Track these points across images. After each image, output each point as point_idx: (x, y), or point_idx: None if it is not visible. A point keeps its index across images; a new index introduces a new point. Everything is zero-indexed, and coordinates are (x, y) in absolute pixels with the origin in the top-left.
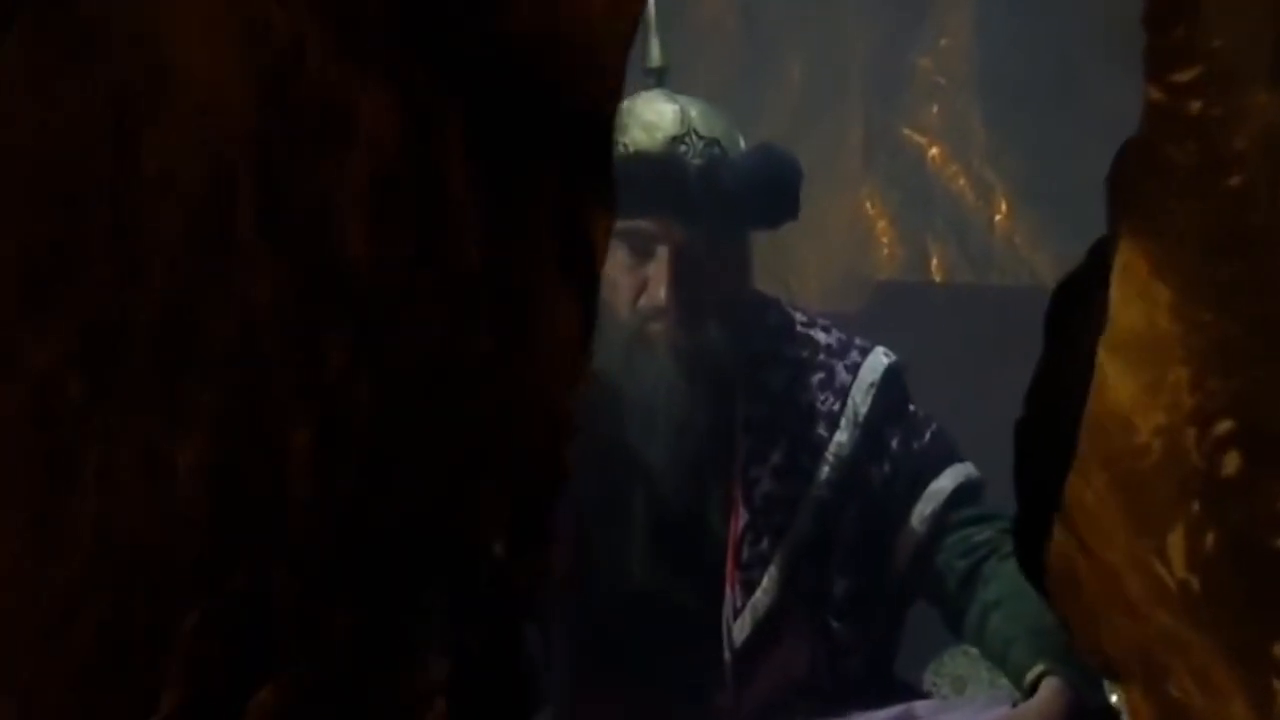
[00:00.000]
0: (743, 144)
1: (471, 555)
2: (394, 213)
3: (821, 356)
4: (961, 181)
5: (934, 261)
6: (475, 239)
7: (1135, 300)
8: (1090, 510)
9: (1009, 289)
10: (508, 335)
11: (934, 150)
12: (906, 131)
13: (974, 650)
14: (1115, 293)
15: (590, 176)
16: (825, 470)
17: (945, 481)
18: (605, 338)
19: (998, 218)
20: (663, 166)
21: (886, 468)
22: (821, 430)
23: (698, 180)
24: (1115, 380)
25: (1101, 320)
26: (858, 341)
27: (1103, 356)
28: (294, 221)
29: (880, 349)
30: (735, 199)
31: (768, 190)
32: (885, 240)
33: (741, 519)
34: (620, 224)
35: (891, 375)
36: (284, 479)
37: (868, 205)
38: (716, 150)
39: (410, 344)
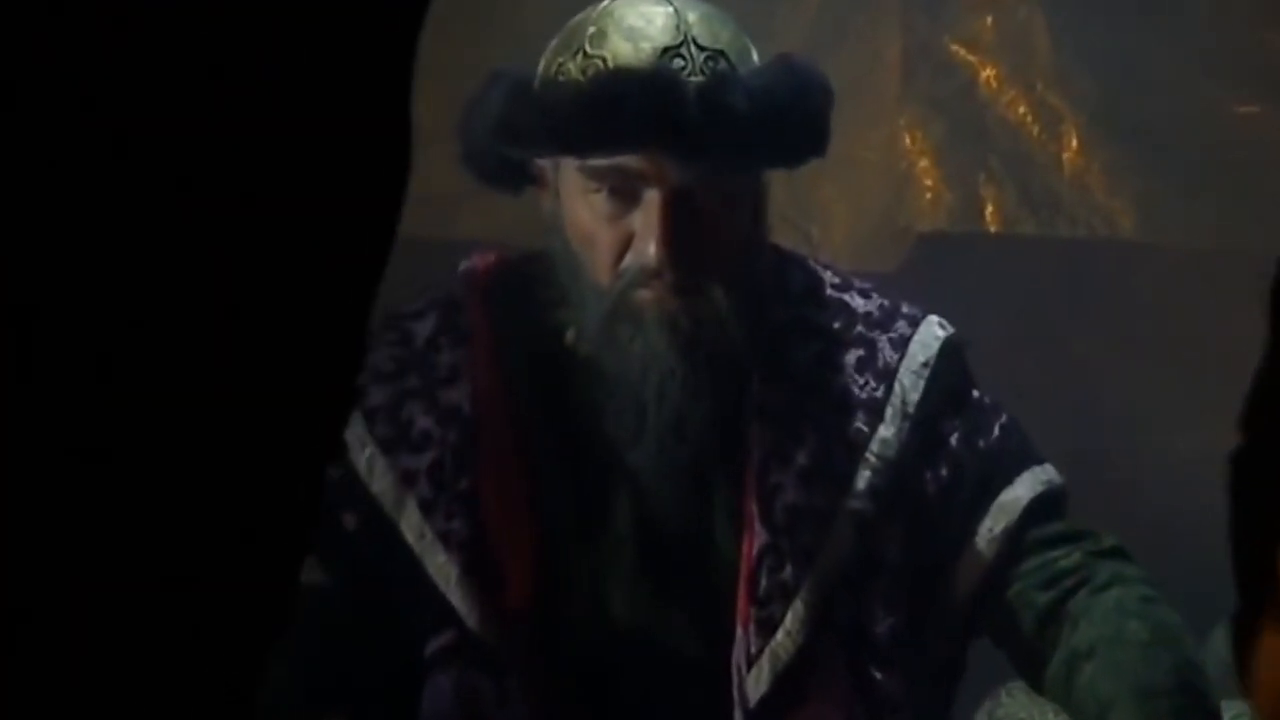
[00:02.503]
0: (755, 57)
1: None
2: None
3: (859, 328)
4: (1022, 109)
5: (988, 209)
6: None
7: None
8: None
9: (1081, 242)
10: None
11: (988, 71)
12: (954, 47)
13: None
14: None
15: None
16: (865, 475)
17: (1020, 490)
18: (580, 307)
19: (1066, 154)
20: (652, 86)
21: (944, 472)
22: (860, 423)
23: (698, 103)
24: None
25: None
26: (905, 309)
27: None
28: None
29: (934, 319)
30: (746, 128)
31: (789, 117)
32: (928, 182)
33: (758, 539)
34: (598, 161)
35: (949, 352)
36: None
37: (906, 139)
38: (721, 65)
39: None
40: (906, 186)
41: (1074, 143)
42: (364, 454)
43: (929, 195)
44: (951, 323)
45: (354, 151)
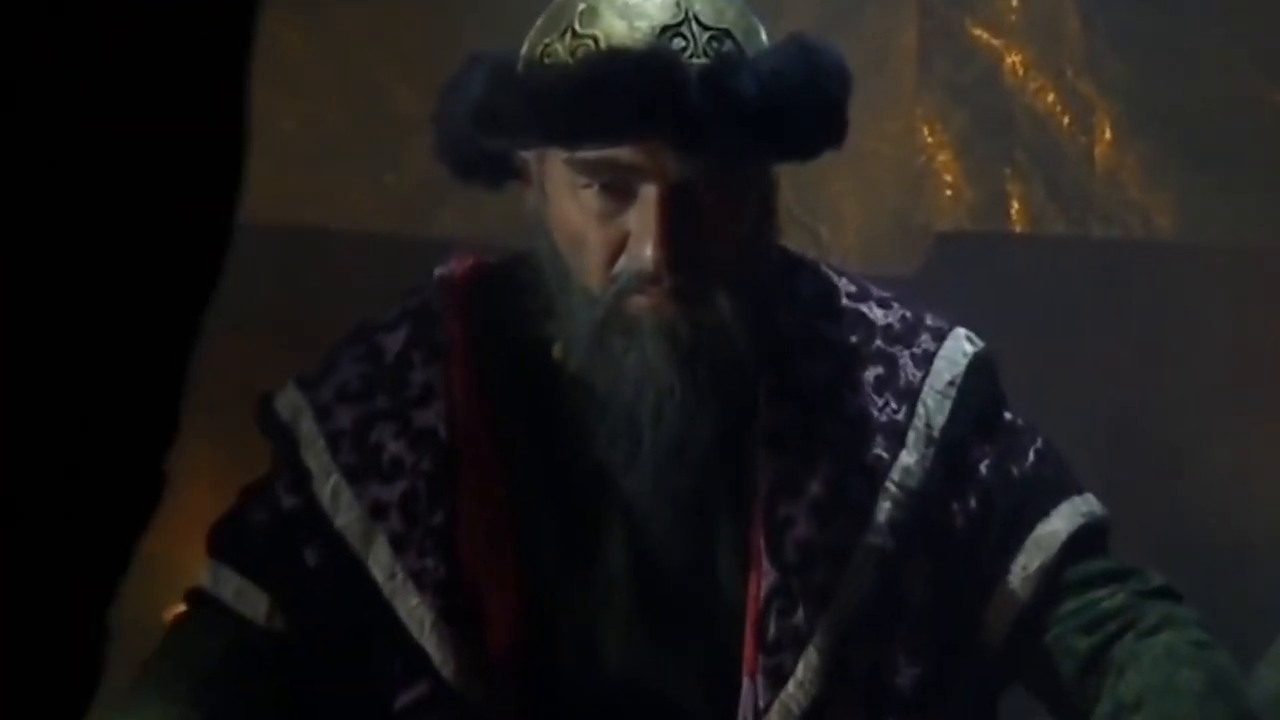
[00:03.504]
0: (764, 37)
1: None
2: None
3: (879, 342)
4: (1050, 98)
5: (1013, 206)
6: None
7: None
8: None
9: (1115, 242)
10: None
11: (1013, 56)
12: (976, 31)
13: None
14: None
15: None
16: (885, 507)
17: (1058, 523)
18: (569, 316)
19: (1099, 147)
20: (649, 68)
21: (973, 503)
22: (879, 449)
23: (700, 88)
24: None
25: None
26: (929, 321)
27: None
28: None
29: (962, 332)
30: (755, 116)
31: (802, 104)
32: (948, 178)
33: (766, 578)
34: (588, 153)
35: (979, 369)
36: None
37: (925, 131)
38: (726, 45)
39: None
40: (924, 182)
41: (1107, 134)
42: (328, 483)
43: (948, 192)
44: (972, 332)
45: (184, 151)
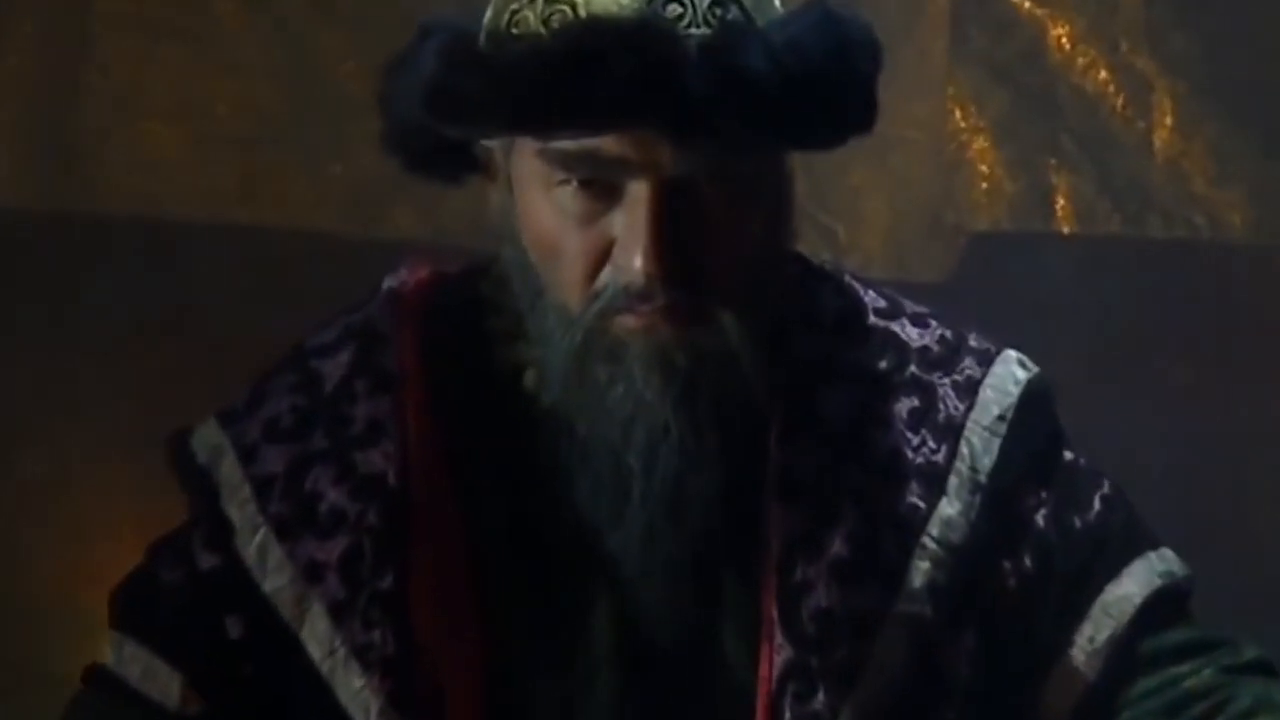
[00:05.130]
0: (779, 3)
1: None
2: None
3: (913, 368)
4: (1102, 76)
5: (1059, 202)
6: None
7: None
8: None
9: (1178, 244)
10: None
11: (1060, 29)
12: None
13: None
14: None
15: None
16: (923, 568)
17: (1131, 585)
18: (543, 339)
19: (1159, 133)
20: (639, 41)
21: (1028, 561)
22: (915, 498)
23: (701, 64)
24: None
25: None
26: (973, 342)
27: None
28: None
29: (1013, 356)
30: (767, 97)
31: (824, 82)
32: (984, 168)
33: (780, 655)
34: (566, 143)
35: (1034, 401)
36: None
37: (957, 114)
38: (732, 13)
39: None
40: (957, 174)
41: (1168, 119)
42: (254, 540)
43: (985, 185)
44: (1011, 345)
45: None
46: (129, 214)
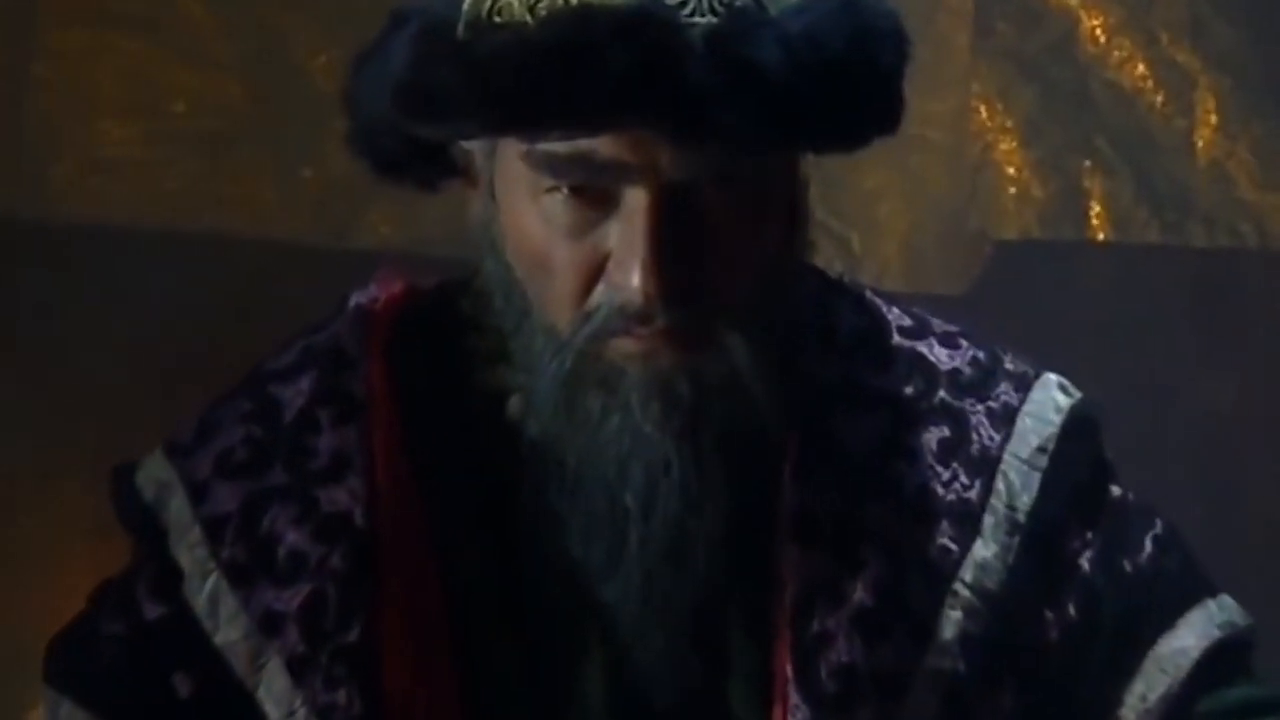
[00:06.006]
0: None
1: None
2: None
3: (942, 394)
4: (1139, 70)
5: (1093, 208)
6: None
7: None
8: None
9: (1222, 253)
10: None
11: (1094, 19)
12: None
13: None
14: None
15: None
16: (955, 618)
17: (1187, 637)
18: (528, 363)
19: (1201, 133)
20: (637, 30)
21: (1072, 610)
22: (945, 539)
23: (707, 57)
24: None
25: None
26: (1009, 364)
27: None
28: None
29: (1053, 379)
30: (780, 94)
31: (844, 76)
32: (1011, 171)
33: (794, 716)
34: (555, 145)
35: (1078, 430)
36: None
37: (981, 111)
38: (741, 0)
39: None
40: (981, 178)
41: (1212, 117)
42: (205, 587)
43: (1012, 190)
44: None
45: None
46: (79, 220)
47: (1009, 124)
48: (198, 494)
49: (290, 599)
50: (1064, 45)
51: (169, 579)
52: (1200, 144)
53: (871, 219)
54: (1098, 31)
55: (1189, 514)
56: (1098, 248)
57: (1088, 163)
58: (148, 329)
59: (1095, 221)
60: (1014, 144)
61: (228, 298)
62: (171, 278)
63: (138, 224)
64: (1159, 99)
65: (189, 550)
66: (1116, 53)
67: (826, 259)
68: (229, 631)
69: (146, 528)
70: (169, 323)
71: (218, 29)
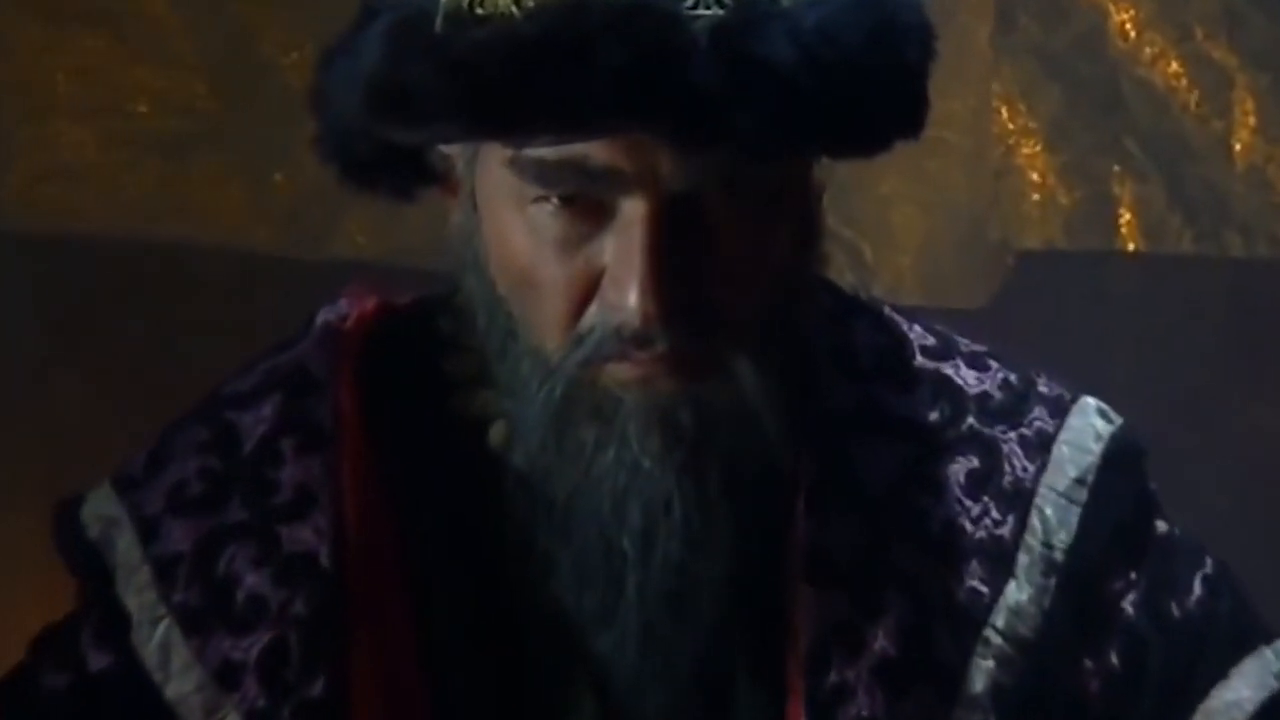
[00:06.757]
0: None
1: None
2: None
3: (971, 420)
4: (1172, 68)
5: (1123, 216)
6: None
7: None
8: None
9: (1261, 264)
10: None
11: (1123, 13)
12: None
13: None
14: None
15: None
16: (985, 668)
17: (1242, 688)
18: (514, 389)
19: (1239, 135)
20: (635, 25)
21: (1115, 659)
22: (975, 580)
23: (712, 54)
24: None
25: None
26: (1043, 387)
27: None
28: None
29: (1091, 404)
30: (794, 93)
31: (863, 75)
32: (1035, 177)
33: None
34: (543, 152)
35: (1120, 459)
36: None
37: (1003, 112)
38: None
39: None
40: (1003, 183)
41: (1250, 118)
42: (155, 635)
43: (1036, 196)
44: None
45: None
46: (31, 230)
47: (1033, 125)
48: (147, 531)
49: (249, 648)
50: (1092, 41)
51: (115, 625)
52: (1238, 147)
53: (885, 227)
54: (1128, 26)
55: (1236, 549)
56: (1128, 258)
57: (1117, 167)
58: (104, 348)
59: (1125, 230)
60: (1038, 147)
61: (192, 314)
62: (131, 292)
63: (95, 234)
64: (1194, 98)
65: (137, 593)
66: (1148, 49)
67: (836, 271)
68: (181, 684)
69: (91, 568)
70: (127, 342)
71: (182, 24)
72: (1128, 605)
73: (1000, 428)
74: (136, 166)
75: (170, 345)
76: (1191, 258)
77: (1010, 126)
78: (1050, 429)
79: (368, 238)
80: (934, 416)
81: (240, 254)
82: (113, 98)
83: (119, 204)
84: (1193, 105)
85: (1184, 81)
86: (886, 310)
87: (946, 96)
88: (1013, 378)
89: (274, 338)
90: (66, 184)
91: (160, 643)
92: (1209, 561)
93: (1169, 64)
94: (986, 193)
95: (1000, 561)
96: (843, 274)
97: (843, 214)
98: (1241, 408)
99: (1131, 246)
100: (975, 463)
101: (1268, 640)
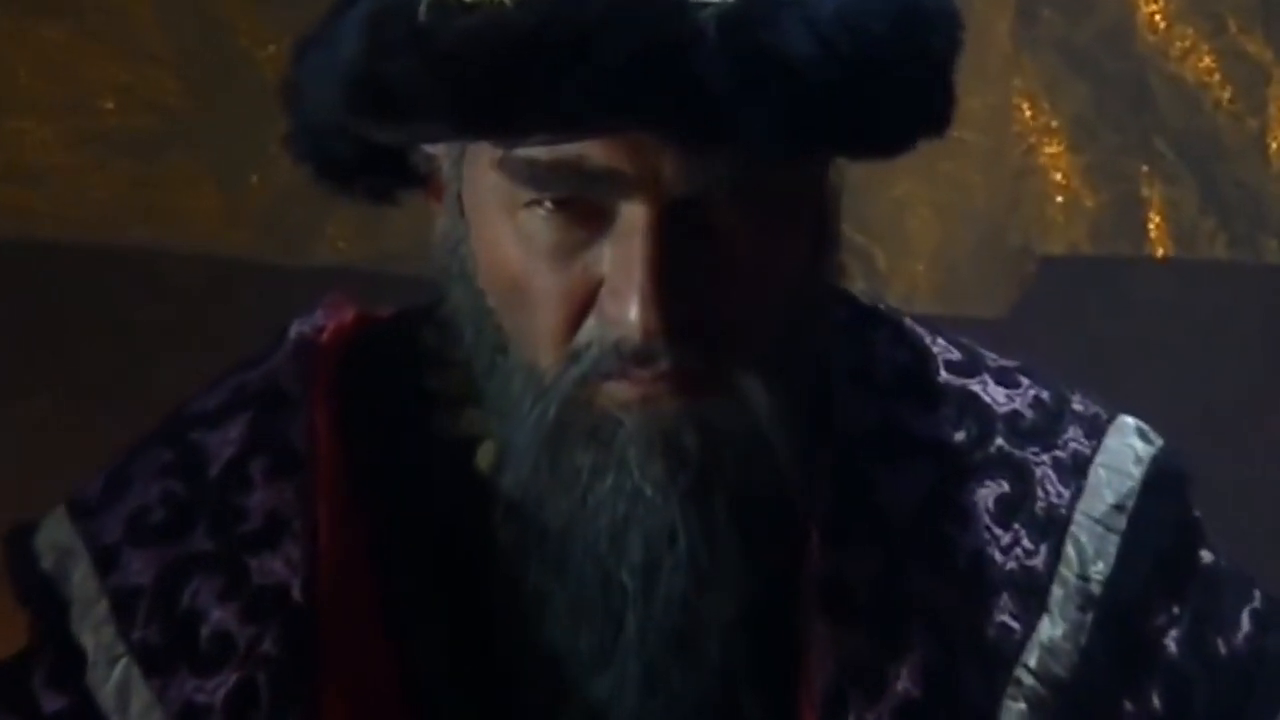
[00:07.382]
0: None
1: None
2: None
3: (1000, 441)
4: (1204, 63)
5: (1151, 219)
6: None
7: None
8: None
9: None
10: None
11: (1152, 5)
12: None
13: None
14: None
15: None
16: (1018, 710)
17: None
18: (504, 408)
19: (1276, 134)
20: (637, 15)
21: (1157, 701)
22: (1006, 615)
23: (721, 47)
24: None
25: None
26: (1077, 404)
27: None
28: None
29: (1130, 424)
30: (809, 89)
31: (884, 69)
32: (1057, 177)
33: None
34: (536, 153)
35: (1162, 483)
36: None
37: (1024, 109)
38: None
39: None
40: (1024, 185)
41: None
42: (112, 674)
43: (1060, 199)
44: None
45: None
46: None
47: (1055, 124)
48: (105, 562)
49: (214, 689)
50: (1119, 34)
51: (70, 664)
52: (1274, 146)
53: (898, 232)
54: (1157, 18)
55: (1272, 566)
56: (1157, 264)
57: (1145, 168)
58: (68, 358)
59: (1154, 235)
60: (1061, 147)
61: (163, 324)
62: (97, 300)
63: (59, 237)
64: (1227, 95)
65: (94, 629)
66: (1179, 43)
67: (846, 279)
68: None
69: (44, 602)
70: (93, 352)
71: (152, 16)
72: (1170, 642)
73: (1032, 449)
74: (103, 167)
75: (140, 359)
76: (1225, 264)
77: (1032, 125)
78: (1086, 451)
79: (349, 243)
80: (960, 437)
81: (214, 260)
82: (77, 93)
83: (84, 207)
84: (1226, 102)
85: (1217, 77)
86: (907, 322)
87: (963, 93)
88: (1045, 395)
89: (252, 350)
90: (28, 185)
91: (118, 683)
92: (1257, 595)
93: (1201, 58)
94: (1006, 195)
95: (1032, 595)
96: (854, 282)
97: (854, 218)
98: (1272, 417)
99: (1161, 252)
100: (1005, 487)
101: None
